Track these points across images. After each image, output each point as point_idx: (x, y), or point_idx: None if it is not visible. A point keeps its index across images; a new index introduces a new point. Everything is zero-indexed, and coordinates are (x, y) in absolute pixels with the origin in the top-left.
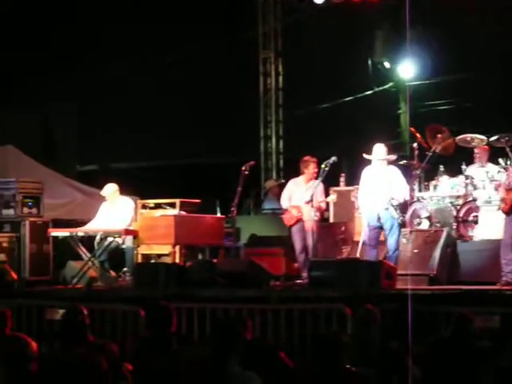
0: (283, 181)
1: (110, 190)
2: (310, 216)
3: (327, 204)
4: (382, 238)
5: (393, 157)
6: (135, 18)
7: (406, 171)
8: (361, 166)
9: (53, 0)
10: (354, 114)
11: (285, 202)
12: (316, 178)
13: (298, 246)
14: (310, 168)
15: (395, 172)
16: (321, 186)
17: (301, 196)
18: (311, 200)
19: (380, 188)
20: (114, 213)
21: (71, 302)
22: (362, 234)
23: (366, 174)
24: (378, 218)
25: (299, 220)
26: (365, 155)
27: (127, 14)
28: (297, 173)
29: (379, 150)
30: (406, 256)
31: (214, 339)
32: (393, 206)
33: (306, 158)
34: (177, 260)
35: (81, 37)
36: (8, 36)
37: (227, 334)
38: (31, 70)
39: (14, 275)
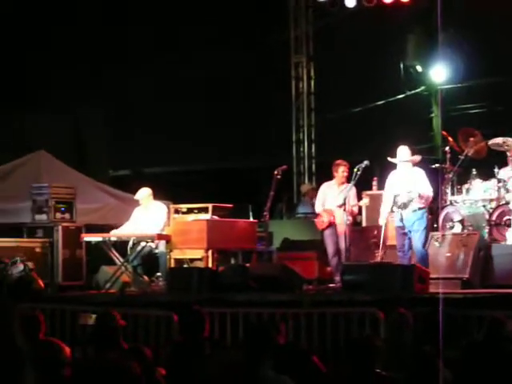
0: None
1: (144, 194)
2: (342, 220)
3: (360, 208)
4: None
5: (417, 158)
6: (164, 21)
7: (439, 175)
8: (392, 170)
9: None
10: (385, 118)
11: (318, 205)
12: (347, 182)
13: (330, 249)
14: (340, 171)
15: (419, 173)
16: (353, 190)
17: (333, 199)
18: (344, 204)
19: (404, 190)
20: (148, 217)
21: (104, 308)
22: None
23: (392, 177)
24: (401, 219)
25: (331, 224)
26: (389, 158)
27: (156, 17)
28: (329, 177)
29: (403, 152)
30: (439, 260)
31: (247, 344)
32: (413, 199)
33: (338, 161)
34: (209, 264)
35: (115, 42)
36: (41, 41)
37: (260, 339)
38: (64, 74)
39: (41, 283)
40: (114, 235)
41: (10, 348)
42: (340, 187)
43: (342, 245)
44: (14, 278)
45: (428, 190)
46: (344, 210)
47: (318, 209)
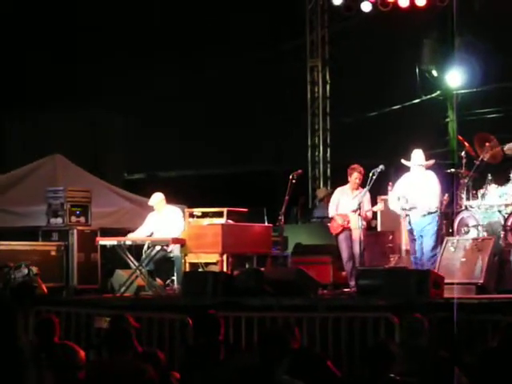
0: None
1: (157, 199)
2: (357, 225)
3: (374, 213)
4: None
5: (431, 162)
6: (182, 26)
7: (454, 180)
8: (405, 173)
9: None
10: (401, 122)
11: (332, 210)
12: (361, 187)
13: (344, 254)
14: (353, 176)
15: (431, 177)
16: (368, 195)
17: (347, 204)
18: (358, 208)
19: (415, 193)
20: (162, 222)
21: (116, 311)
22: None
23: (404, 180)
24: (409, 222)
25: (345, 228)
26: (403, 161)
27: (175, 24)
28: (344, 181)
29: (417, 156)
30: (454, 265)
31: (262, 348)
32: (434, 212)
33: (353, 166)
34: (224, 269)
35: (128, 48)
36: (58, 47)
37: (275, 343)
38: (80, 79)
39: (45, 288)
40: (128, 239)
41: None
42: (354, 192)
43: (357, 249)
44: (17, 283)
45: (433, 200)
46: (359, 214)
47: (331, 213)
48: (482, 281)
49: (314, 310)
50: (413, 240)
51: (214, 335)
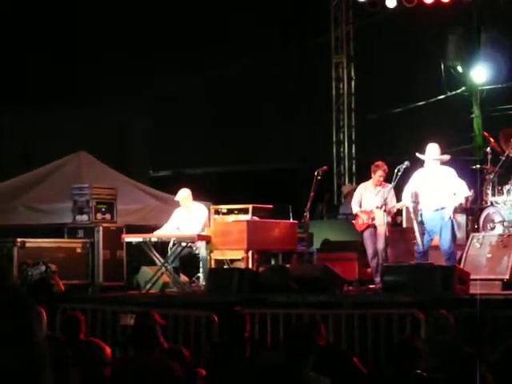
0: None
1: (183, 195)
2: (382, 221)
3: (399, 209)
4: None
5: (446, 157)
6: (204, 23)
7: (479, 176)
8: (419, 168)
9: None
10: (426, 119)
11: (354, 206)
12: (384, 184)
13: (370, 250)
14: (377, 174)
15: (451, 172)
16: (392, 191)
17: (370, 201)
18: (384, 204)
19: (432, 189)
20: (188, 218)
21: (142, 308)
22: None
23: (419, 175)
24: (429, 220)
25: (370, 225)
26: (418, 154)
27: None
28: (369, 177)
29: (432, 150)
30: (479, 261)
31: (288, 345)
32: (448, 207)
33: (378, 163)
34: (250, 265)
35: (155, 46)
36: (85, 42)
37: (301, 340)
38: (107, 75)
39: (62, 286)
40: (154, 236)
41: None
42: (376, 188)
43: (381, 246)
44: (34, 280)
45: (466, 189)
46: (384, 210)
47: (354, 210)
48: (507, 277)
49: (339, 307)
50: (422, 233)
51: (240, 332)
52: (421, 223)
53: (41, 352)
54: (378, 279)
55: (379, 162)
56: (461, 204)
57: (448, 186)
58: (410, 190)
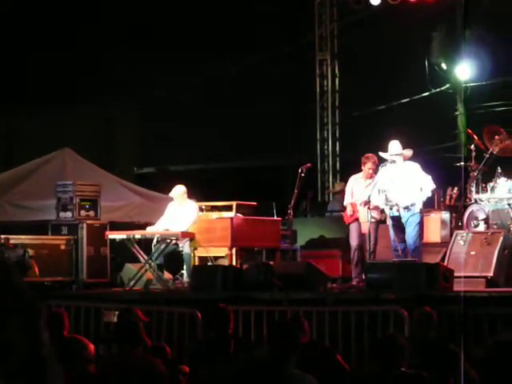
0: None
1: (179, 191)
2: (365, 218)
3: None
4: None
5: (408, 152)
6: (190, 23)
7: (464, 173)
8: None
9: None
10: (410, 116)
11: (348, 198)
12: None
13: (353, 243)
14: (366, 166)
15: (415, 167)
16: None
17: (361, 193)
18: (368, 202)
19: (399, 186)
20: (180, 215)
21: (126, 305)
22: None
23: (384, 172)
24: (397, 216)
25: (356, 219)
26: (380, 153)
27: (185, 21)
28: (351, 175)
29: (393, 146)
30: (463, 258)
31: (271, 342)
32: (415, 203)
33: (367, 154)
34: (233, 263)
35: (142, 43)
36: (70, 38)
37: (285, 338)
38: (93, 72)
39: (37, 271)
40: (138, 233)
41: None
42: (367, 181)
43: (365, 244)
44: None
45: (431, 185)
46: (368, 208)
47: (346, 201)
48: (491, 274)
49: (323, 304)
50: (393, 226)
51: (224, 329)
52: (393, 218)
53: (47, 352)
54: (355, 274)
55: (369, 154)
56: (428, 198)
57: (414, 181)
58: (376, 187)
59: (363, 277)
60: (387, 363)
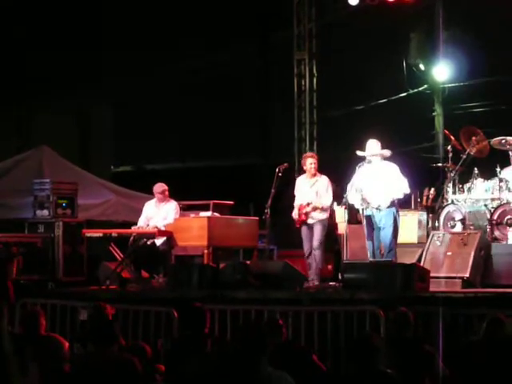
0: None
1: (161, 189)
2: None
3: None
4: None
5: (387, 152)
6: (167, 20)
7: (441, 173)
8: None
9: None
10: (388, 116)
11: (296, 200)
12: (321, 175)
13: (304, 247)
14: (307, 163)
15: (392, 167)
16: (325, 183)
17: (305, 193)
18: (314, 201)
19: (375, 186)
20: (159, 213)
21: (95, 302)
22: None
23: (361, 171)
24: (372, 216)
25: (304, 221)
26: (358, 152)
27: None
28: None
29: (372, 146)
30: (440, 258)
31: (241, 341)
32: (391, 203)
33: (306, 153)
34: (210, 262)
35: (120, 41)
36: (47, 36)
37: (254, 336)
38: (69, 71)
39: (14, 269)
40: (115, 231)
41: None
42: (311, 180)
43: (314, 242)
44: None
45: (405, 186)
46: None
47: (295, 203)
48: (467, 275)
49: (299, 304)
50: (369, 227)
51: (200, 328)
52: (368, 218)
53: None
54: (311, 276)
55: (307, 153)
56: (399, 199)
57: (390, 182)
58: (353, 187)
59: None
60: (362, 362)
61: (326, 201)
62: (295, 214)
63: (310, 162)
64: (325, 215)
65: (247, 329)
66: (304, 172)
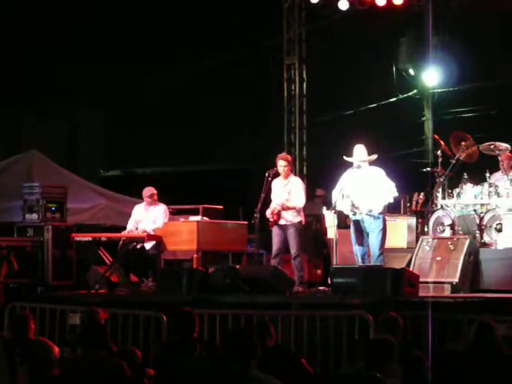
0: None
1: (149, 192)
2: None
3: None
4: None
5: (374, 157)
6: (157, 25)
7: (430, 178)
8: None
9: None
10: (377, 121)
11: (273, 201)
12: (295, 176)
13: (274, 247)
14: (278, 165)
15: (379, 172)
16: (298, 184)
17: (279, 195)
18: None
19: (363, 191)
20: (149, 217)
21: (88, 306)
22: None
23: (347, 176)
24: (361, 221)
25: (275, 221)
26: (345, 157)
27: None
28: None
29: (359, 151)
30: (429, 263)
31: (230, 345)
32: (379, 208)
33: (279, 155)
34: (199, 266)
35: (109, 45)
36: (36, 40)
37: (242, 340)
38: (59, 75)
39: (16, 266)
40: (104, 235)
41: None
42: (284, 181)
43: (292, 251)
44: None
45: (393, 191)
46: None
47: (271, 205)
48: (456, 280)
49: (288, 308)
50: (356, 231)
51: (189, 332)
52: (356, 223)
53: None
54: (297, 284)
55: (280, 154)
56: (389, 203)
57: (378, 186)
58: (339, 192)
59: None
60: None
61: (297, 201)
62: (269, 215)
63: (280, 164)
64: (298, 218)
65: (237, 333)
66: (278, 175)
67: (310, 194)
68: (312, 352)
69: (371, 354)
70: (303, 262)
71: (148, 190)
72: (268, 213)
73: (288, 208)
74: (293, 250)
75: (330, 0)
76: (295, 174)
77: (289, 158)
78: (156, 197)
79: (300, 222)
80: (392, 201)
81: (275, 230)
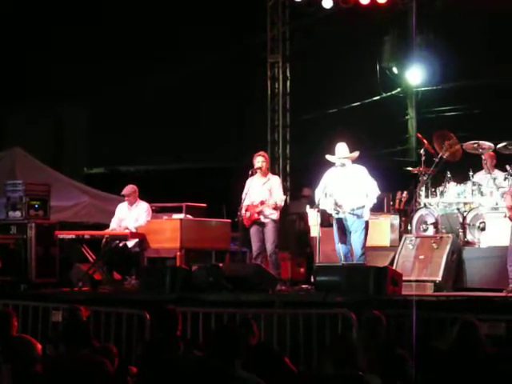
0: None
1: (130, 190)
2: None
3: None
4: None
5: (356, 154)
6: (143, 22)
7: (413, 177)
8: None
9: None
10: (361, 120)
11: (246, 200)
12: (273, 175)
13: (254, 247)
14: (255, 162)
15: (362, 171)
16: (277, 182)
17: (257, 193)
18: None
19: (345, 189)
20: (131, 215)
21: (70, 304)
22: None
23: (330, 175)
24: (344, 220)
25: (255, 220)
26: (327, 156)
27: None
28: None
29: (341, 149)
30: (412, 262)
31: (215, 344)
32: (363, 207)
33: (257, 152)
34: (183, 264)
35: (96, 41)
36: (21, 38)
37: (228, 339)
38: (44, 72)
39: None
40: (87, 233)
41: None
42: (263, 179)
43: (269, 246)
44: None
45: (376, 190)
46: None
47: (244, 203)
48: (439, 278)
49: (271, 306)
50: (340, 230)
51: (172, 330)
52: (339, 221)
53: None
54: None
55: (258, 152)
56: (374, 204)
57: (361, 185)
58: (323, 190)
59: None
60: (340, 363)
61: (279, 199)
62: (246, 214)
63: (258, 161)
64: (275, 215)
65: (222, 332)
66: (254, 173)
67: (296, 193)
68: (295, 350)
69: (336, 351)
70: (279, 258)
71: (128, 188)
72: (242, 213)
73: (274, 207)
74: (270, 247)
75: None
76: (276, 173)
77: (266, 155)
78: (137, 193)
79: (277, 218)
80: (376, 201)
81: (253, 230)
